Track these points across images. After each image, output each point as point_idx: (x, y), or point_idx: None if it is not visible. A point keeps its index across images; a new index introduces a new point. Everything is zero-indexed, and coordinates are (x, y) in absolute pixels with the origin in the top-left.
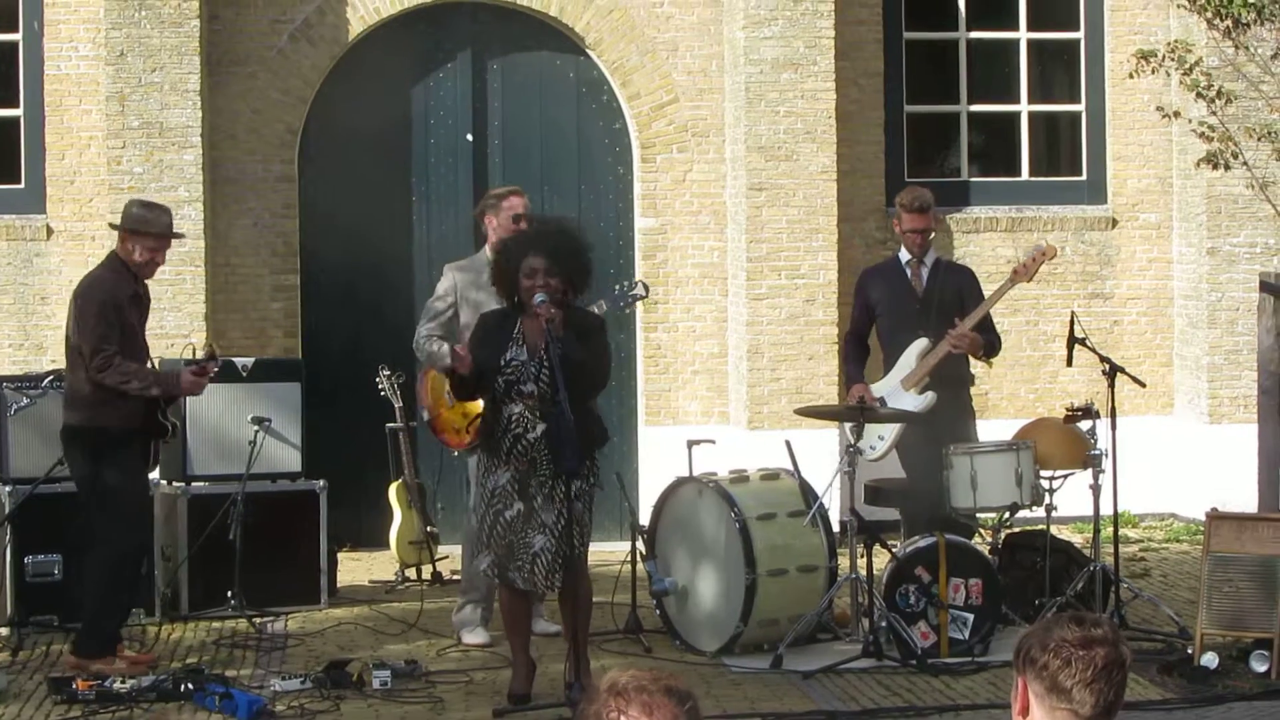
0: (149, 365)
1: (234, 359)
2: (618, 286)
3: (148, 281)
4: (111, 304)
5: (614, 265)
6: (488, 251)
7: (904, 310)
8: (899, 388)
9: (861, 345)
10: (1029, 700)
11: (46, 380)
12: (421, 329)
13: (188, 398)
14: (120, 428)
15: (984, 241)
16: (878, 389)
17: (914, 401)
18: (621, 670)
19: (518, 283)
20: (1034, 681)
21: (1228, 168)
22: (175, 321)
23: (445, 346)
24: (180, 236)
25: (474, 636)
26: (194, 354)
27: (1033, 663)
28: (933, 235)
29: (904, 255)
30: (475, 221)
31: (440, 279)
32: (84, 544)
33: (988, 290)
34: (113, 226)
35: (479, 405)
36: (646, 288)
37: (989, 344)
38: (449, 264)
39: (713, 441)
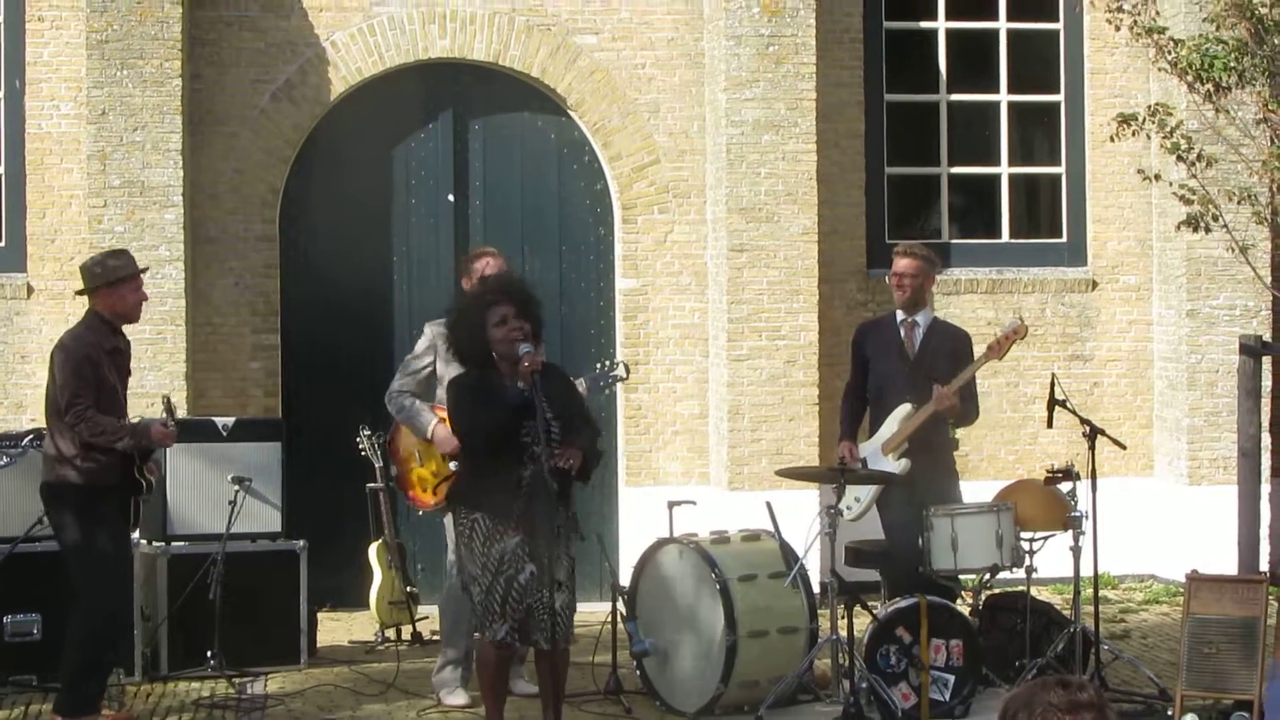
0: (123, 421)
1: (214, 418)
2: (599, 366)
3: (129, 336)
4: (88, 360)
5: (594, 326)
6: None
7: (893, 372)
8: (878, 452)
9: (859, 400)
10: None
11: (26, 439)
12: (395, 383)
13: (167, 457)
14: (99, 485)
15: (964, 303)
16: (862, 449)
17: (891, 467)
18: None
19: (487, 338)
20: None
21: (1208, 230)
22: (155, 381)
23: (419, 405)
24: (145, 270)
25: (454, 698)
26: (166, 404)
27: None
28: (925, 292)
29: (899, 314)
30: (456, 282)
31: (420, 337)
32: (66, 603)
33: (979, 352)
34: (84, 292)
35: (449, 466)
36: (628, 369)
37: (965, 411)
38: (430, 323)
39: (693, 502)
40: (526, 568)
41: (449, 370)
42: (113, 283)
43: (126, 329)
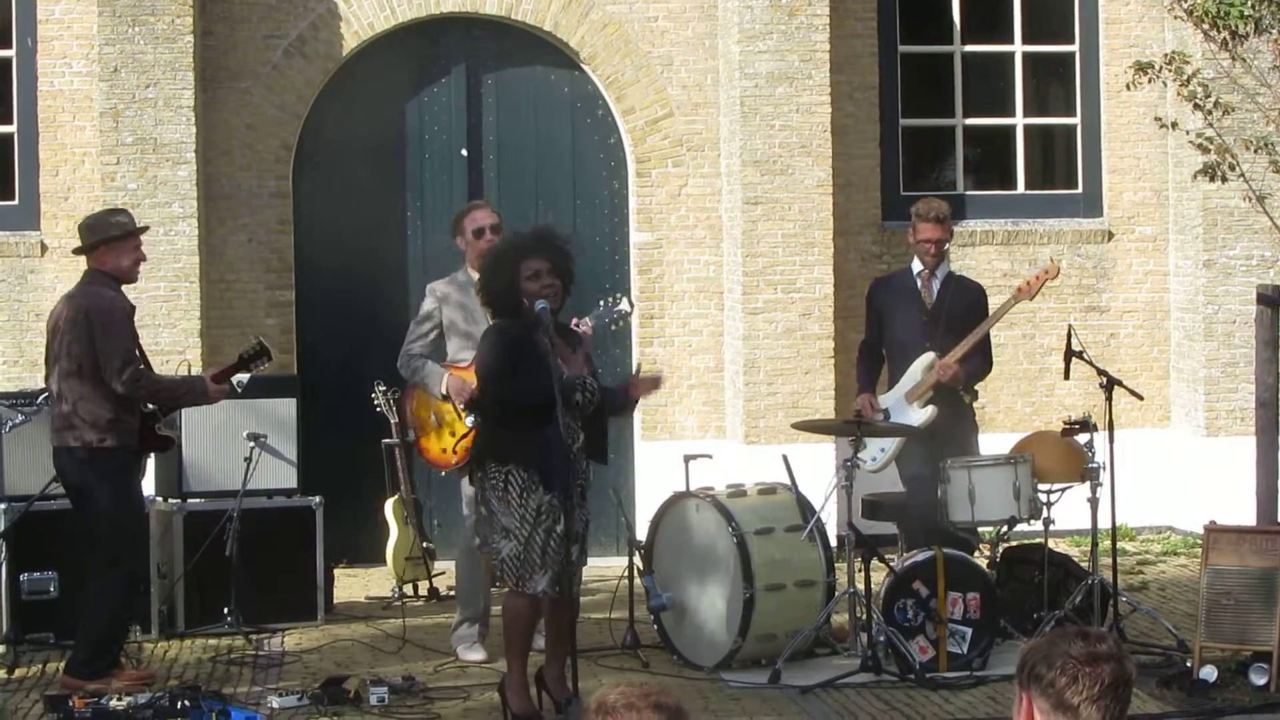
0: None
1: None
2: (602, 303)
3: (140, 294)
4: (127, 317)
5: (609, 280)
6: (469, 270)
7: (912, 323)
8: (903, 401)
9: (874, 355)
10: (1034, 716)
11: (42, 397)
12: (405, 347)
13: (183, 414)
14: (129, 445)
15: (980, 255)
16: (883, 400)
17: (916, 415)
18: (612, 686)
19: (520, 289)
20: (1039, 698)
21: (1224, 180)
22: (170, 338)
23: (432, 366)
24: (146, 229)
25: (472, 654)
26: (189, 369)
27: (1038, 679)
28: (947, 247)
29: (916, 266)
30: (450, 239)
31: (424, 299)
32: (83, 565)
33: (995, 304)
34: (83, 250)
35: (464, 425)
36: (631, 303)
37: (971, 374)
38: (430, 284)
39: (710, 456)
40: (561, 519)
41: (459, 318)
42: (109, 240)
43: (139, 287)
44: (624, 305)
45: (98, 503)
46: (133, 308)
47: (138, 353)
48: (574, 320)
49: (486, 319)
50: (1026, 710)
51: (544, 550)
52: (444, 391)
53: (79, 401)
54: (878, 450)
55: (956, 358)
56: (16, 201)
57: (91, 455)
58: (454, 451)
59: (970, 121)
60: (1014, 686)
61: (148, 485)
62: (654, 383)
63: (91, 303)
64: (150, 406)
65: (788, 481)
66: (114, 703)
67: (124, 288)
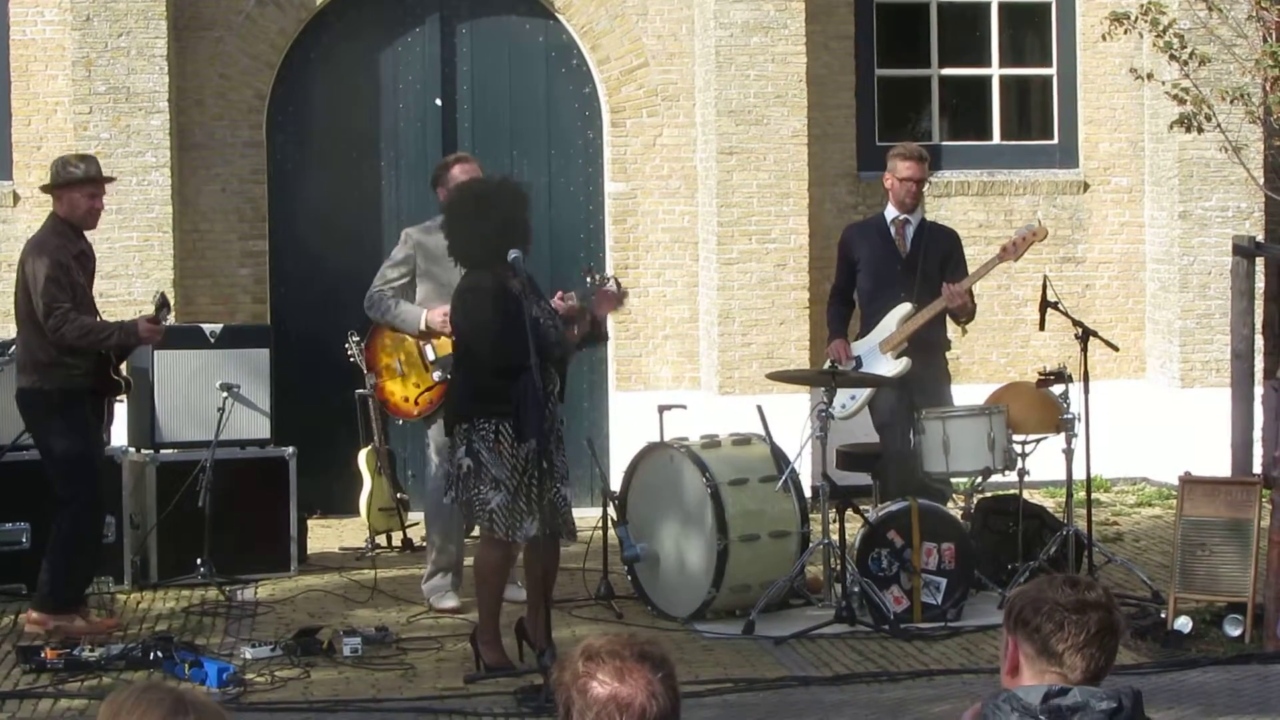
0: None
1: (202, 325)
2: (588, 280)
3: (113, 244)
4: (59, 264)
5: (583, 230)
6: None
7: (886, 271)
8: (876, 350)
9: (845, 302)
10: (1019, 660)
11: (12, 348)
12: (374, 287)
13: (154, 364)
14: (73, 387)
15: (955, 206)
16: (855, 348)
17: (889, 366)
18: (597, 636)
19: (495, 244)
20: (1025, 643)
21: (1200, 131)
22: (144, 288)
23: (406, 304)
24: (112, 180)
25: (446, 602)
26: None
27: (1024, 624)
28: (925, 188)
29: (890, 213)
30: (430, 190)
31: (400, 243)
32: (51, 510)
33: (971, 254)
34: (45, 189)
35: (431, 379)
36: (619, 284)
37: (970, 310)
38: (409, 228)
39: (684, 407)
40: (543, 464)
41: (435, 269)
42: (67, 184)
43: (111, 236)
44: (611, 285)
45: (45, 443)
46: (83, 253)
47: (76, 297)
48: (559, 293)
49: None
50: (1012, 655)
51: (531, 496)
52: (423, 327)
53: (25, 344)
54: (848, 398)
55: (965, 288)
56: None
57: (35, 396)
58: (415, 402)
59: (946, 72)
60: (1000, 631)
61: (120, 435)
62: (617, 298)
63: (31, 246)
64: (103, 350)
65: (762, 432)
66: (86, 654)
67: (89, 236)
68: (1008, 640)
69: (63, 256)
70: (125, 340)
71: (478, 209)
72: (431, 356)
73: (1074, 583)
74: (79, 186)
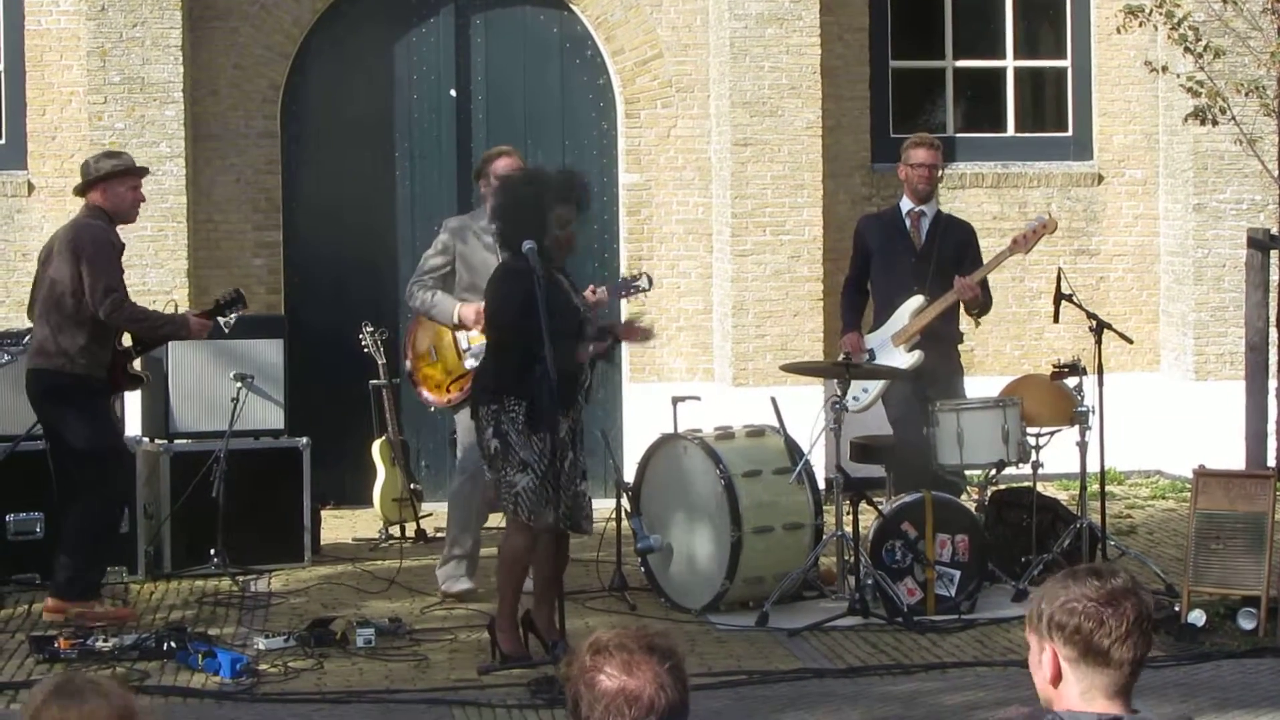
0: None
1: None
2: (621, 277)
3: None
4: (114, 248)
5: (597, 221)
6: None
7: (900, 263)
8: (889, 343)
9: (859, 292)
10: (1060, 667)
11: (28, 337)
12: (418, 279)
13: (169, 355)
14: (97, 378)
15: (969, 197)
16: (869, 340)
17: (902, 359)
18: (607, 629)
19: (546, 230)
20: (1065, 647)
21: (1215, 123)
22: (158, 278)
23: (443, 295)
24: (147, 172)
25: (458, 585)
26: (175, 309)
27: (1061, 628)
28: (941, 174)
29: (905, 204)
30: (472, 182)
31: (439, 234)
32: (62, 495)
33: (985, 246)
34: (83, 189)
35: (462, 365)
36: (650, 280)
37: (984, 302)
38: (448, 219)
39: (698, 398)
40: (569, 454)
41: (468, 256)
42: (109, 177)
43: (126, 227)
44: (643, 282)
45: (63, 428)
46: (123, 245)
47: (120, 282)
48: (591, 286)
49: (498, 258)
50: (1053, 663)
51: (557, 485)
52: (455, 320)
53: (56, 328)
54: (860, 390)
55: (976, 280)
56: (3, 141)
57: (57, 379)
58: (447, 390)
59: (960, 64)
60: (1029, 638)
61: (134, 425)
62: (644, 334)
63: (84, 230)
64: (127, 343)
65: (776, 424)
66: (99, 644)
67: (118, 229)
68: (1044, 648)
69: (115, 239)
70: (176, 332)
71: (534, 198)
72: (465, 345)
73: (1096, 573)
74: (122, 178)
